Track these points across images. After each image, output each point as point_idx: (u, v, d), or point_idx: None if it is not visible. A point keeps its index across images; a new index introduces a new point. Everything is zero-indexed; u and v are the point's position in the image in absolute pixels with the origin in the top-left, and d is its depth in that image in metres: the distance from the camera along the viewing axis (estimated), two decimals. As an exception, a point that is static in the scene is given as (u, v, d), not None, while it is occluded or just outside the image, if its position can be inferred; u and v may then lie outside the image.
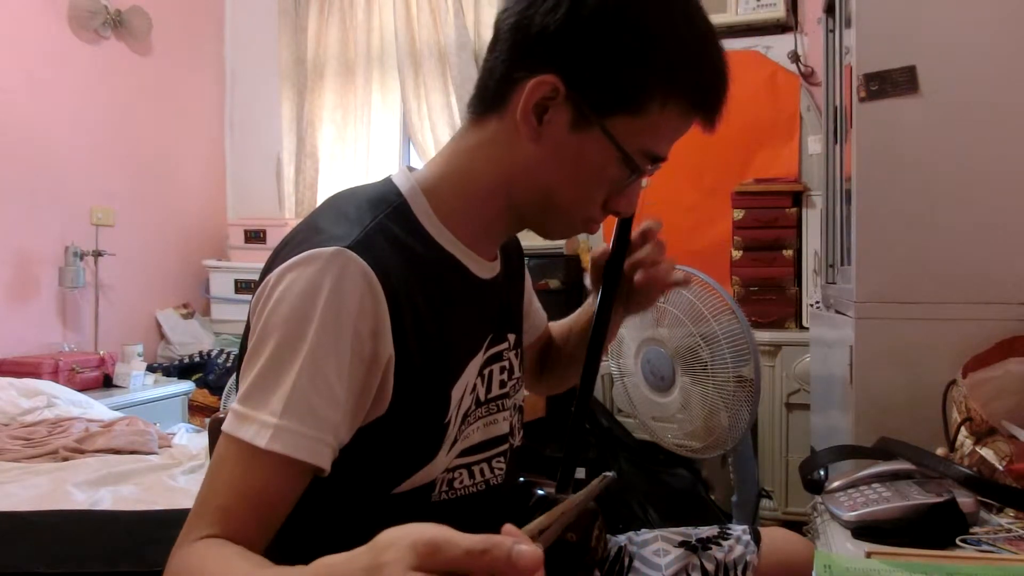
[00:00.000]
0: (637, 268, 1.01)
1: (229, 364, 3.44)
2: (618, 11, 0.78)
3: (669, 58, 0.79)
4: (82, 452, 2.26)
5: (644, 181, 0.88)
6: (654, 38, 0.79)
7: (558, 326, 1.21)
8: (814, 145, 2.95)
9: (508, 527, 0.55)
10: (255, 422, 0.72)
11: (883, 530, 0.99)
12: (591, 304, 1.12)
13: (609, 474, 0.70)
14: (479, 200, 0.87)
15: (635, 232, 1.02)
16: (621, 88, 0.80)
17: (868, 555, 0.94)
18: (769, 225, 2.94)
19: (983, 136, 1.50)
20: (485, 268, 0.91)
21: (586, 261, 3.06)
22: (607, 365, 2.28)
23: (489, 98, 0.85)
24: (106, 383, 3.17)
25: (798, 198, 2.95)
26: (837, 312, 1.92)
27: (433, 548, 0.52)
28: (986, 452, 1.16)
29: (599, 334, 1.02)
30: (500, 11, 0.85)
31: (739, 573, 1.08)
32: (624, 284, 1.03)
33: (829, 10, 2.37)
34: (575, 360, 1.16)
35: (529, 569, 0.50)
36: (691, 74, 0.81)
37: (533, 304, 1.14)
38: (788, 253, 2.92)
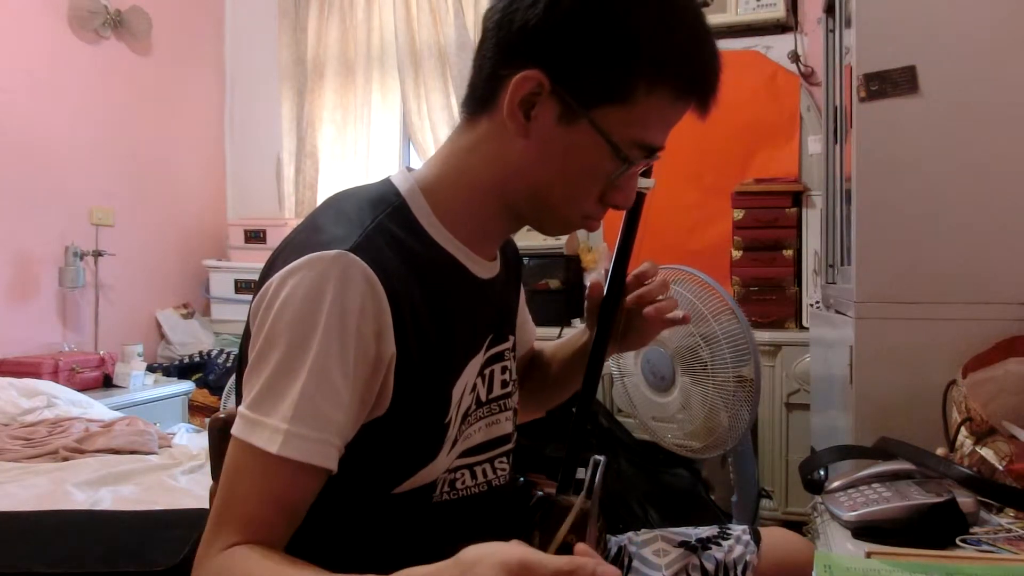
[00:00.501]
0: (639, 303, 1.00)
1: (229, 364, 3.44)
2: (597, 1, 0.78)
3: (651, 45, 0.78)
4: (82, 452, 2.26)
5: (651, 180, 0.88)
6: (635, 26, 0.78)
7: (542, 348, 1.20)
8: (814, 145, 2.95)
9: (582, 546, 0.58)
10: (266, 428, 0.73)
11: (883, 530, 0.99)
12: (580, 335, 1.11)
13: (599, 458, 0.71)
14: (476, 199, 0.87)
15: (631, 275, 1.01)
16: (605, 79, 0.79)
17: (868, 555, 0.94)
18: (769, 225, 2.93)
19: (983, 136, 1.50)
20: (485, 268, 0.91)
21: (586, 261, 3.08)
22: (607, 365, 2.27)
23: (479, 97, 0.85)
24: (106, 383, 3.17)
25: (798, 198, 2.95)
26: (837, 312, 1.92)
27: (523, 568, 0.54)
28: (986, 452, 1.16)
29: (595, 367, 1.01)
30: (487, 9, 0.85)
31: (739, 573, 1.08)
32: (620, 321, 1.02)
33: (829, 10, 2.37)
34: (554, 386, 1.16)
35: None
36: (676, 59, 0.80)
37: (525, 316, 1.13)
38: (788, 253, 2.92)
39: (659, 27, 0.79)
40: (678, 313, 1.02)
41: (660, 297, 1.01)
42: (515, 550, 0.55)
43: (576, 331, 1.15)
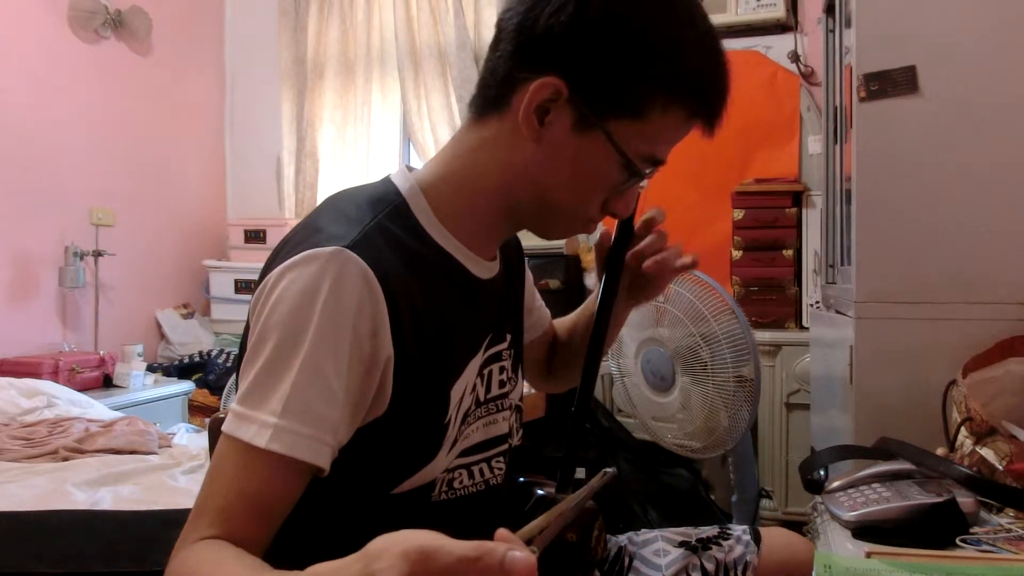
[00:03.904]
0: (641, 258, 1.01)
1: (229, 364, 3.44)
2: (623, 16, 0.78)
3: (673, 65, 0.79)
4: (82, 452, 2.25)
5: (643, 183, 0.88)
6: (658, 44, 0.79)
7: (562, 323, 1.21)
8: (814, 145, 2.95)
9: (502, 532, 0.55)
10: (254, 422, 0.73)
11: (883, 530, 0.99)
12: (595, 300, 1.12)
13: (610, 470, 0.70)
14: (479, 200, 0.87)
15: (638, 222, 1.02)
16: (624, 93, 0.80)
17: (868, 555, 0.94)
18: (769, 225, 2.94)
19: (983, 136, 1.50)
20: (484, 268, 0.91)
21: (586, 261, 3.08)
22: (607, 365, 2.28)
23: (491, 98, 0.85)
24: (106, 383, 3.17)
25: (798, 198, 2.95)
26: (837, 312, 1.92)
27: (425, 556, 0.51)
28: (986, 452, 1.16)
29: (601, 328, 1.02)
30: (503, 10, 0.85)
31: (739, 573, 1.08)
32: (627, 275, 1.03)
33: (829, 10, 2.37)
34: (580, 357, 1.16)
35: (521, 575, 0.50)
36: (694, 81, 0.81)
37: (536, 302, 1.14)
38: (788, 253, 2.92)
39: (681, 49, 0.80)
40: (686, 259, 1.03)
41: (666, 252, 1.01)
42: (419, 538, 0.52)
43: (585, 304, 1.17)
